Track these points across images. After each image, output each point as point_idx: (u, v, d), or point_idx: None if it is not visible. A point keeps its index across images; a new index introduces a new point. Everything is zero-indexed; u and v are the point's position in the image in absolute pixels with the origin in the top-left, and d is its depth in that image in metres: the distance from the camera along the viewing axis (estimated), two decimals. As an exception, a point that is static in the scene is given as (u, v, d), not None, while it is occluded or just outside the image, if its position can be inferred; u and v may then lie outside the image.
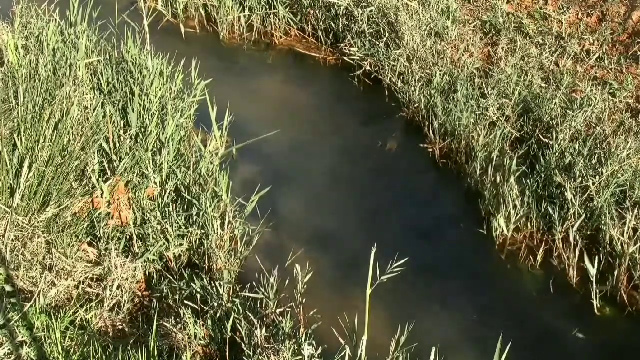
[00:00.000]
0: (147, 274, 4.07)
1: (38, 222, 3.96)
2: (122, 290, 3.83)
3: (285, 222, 4.64)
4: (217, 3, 6.93)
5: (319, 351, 3.42)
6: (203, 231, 4.18)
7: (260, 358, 3.44)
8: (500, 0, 6.62)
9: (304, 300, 3.76)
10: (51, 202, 4.04)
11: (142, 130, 4.77)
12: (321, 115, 5.91)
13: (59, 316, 3.56)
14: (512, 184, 4.55)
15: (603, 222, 4.33)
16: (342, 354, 3.36)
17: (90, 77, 5.17)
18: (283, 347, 3.44)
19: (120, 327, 3.72)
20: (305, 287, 3.71)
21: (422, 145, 5.43)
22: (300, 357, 3.40)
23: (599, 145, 4.87)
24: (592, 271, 4.11)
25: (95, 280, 3.90)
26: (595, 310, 4.09)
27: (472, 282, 4.34)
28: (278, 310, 3.72)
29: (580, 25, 6.35)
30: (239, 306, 3.67)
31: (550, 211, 4.49)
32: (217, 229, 4.17)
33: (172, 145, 4.68)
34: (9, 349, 3.35)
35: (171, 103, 5.01)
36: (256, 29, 6.96)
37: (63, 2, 6.01)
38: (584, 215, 4.44)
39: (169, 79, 5.31)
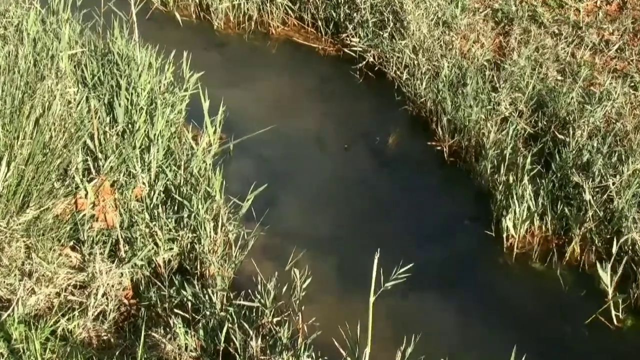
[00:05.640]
0: (135, 280, 4.06)
1: (17, 225, 3.94)
2: (107, 298, 3.82)
3: (282, 224, 4.62)
4: (210, -10, 6.92)
5: (319, 363, 3.41)
6: (195, 234, 4.17)
7: (256, 371, 3.44)
8: (512, -13, 6.61)
9: (303, 308, 3.74)
10: (31, 203, 4.02)
11: (130, 126, 4.76)
12: (321, 111, 5.89)
13: (39, 326, 3.55)
14: (525, 184, 4.53)
15: (624, 224, 4.30)
16: (344, 366, 3.35)
17: (74, 69, 5.16)
18: (280, 359, 3.43)
19: (105, 337, 3.70)
20: (304, 293, 3.70)
21: (429, 143, 5.42)
22: (299, 370, 3.39)
23: (619, 142, 4.85)
24: (606, 279, 4.09)
25: (78, 287, 3.88)
26: (614, 321, 4.07)
27: (483, 288, 4.33)
28: (275, 319, 3.71)
29: (599, 14, 6.33)
30: (233, 315, 3.65)
31: (567, 213, 4.48)
32: (210, 232, 4.16)
33: (162, 142, 4.67)
34: (-15, 362, 3.34)
35: (161, 97, 5.00)
36: (252, 18, 6.96)
37: (44, -12, 6.00)
38: (603, 218, 4.41)
39: (159, 72, 5.30)
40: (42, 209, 4.03)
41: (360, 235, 4.63)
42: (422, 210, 4.91)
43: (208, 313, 3.72)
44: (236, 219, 4.34)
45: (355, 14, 6.47)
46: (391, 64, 6.04)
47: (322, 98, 6.03)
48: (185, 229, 4.17)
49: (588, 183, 4.49)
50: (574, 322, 4.09)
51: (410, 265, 3.14)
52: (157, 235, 4.10)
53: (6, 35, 5.41)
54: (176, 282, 3.94)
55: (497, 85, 5.48)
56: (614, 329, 4.05)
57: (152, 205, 4.26)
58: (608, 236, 4.38)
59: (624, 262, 4.18)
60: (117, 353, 3.59)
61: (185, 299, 3.80)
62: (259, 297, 3.71)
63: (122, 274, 3.94)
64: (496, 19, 6.42)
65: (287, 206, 4.85)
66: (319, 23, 6.78)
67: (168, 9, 7.05)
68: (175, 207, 4.30)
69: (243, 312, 3.72)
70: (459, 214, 4.85)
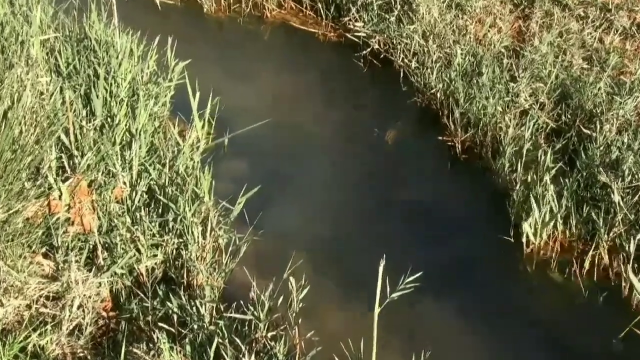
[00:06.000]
0: (114, 290, 4.05)
1: (-17, 230, 3.94)
2: (83, 311, 3.80)
3: (277, 228, 4.62)
4: (198, -31, 6.94)
5: (318, 382, 3.42)
6: (181, 240, 4.17)
7: (248, 391, 3.43)
8: (533, -35, 6.61)
9: (300, 321, 3.74)
10: (-1, 205, 4.02)
11: (109, 120, 4.75)
12: (321, 103, 5.90)
13: (7, 342, 3.53)
14: (547, 184, 4.53)
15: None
16: (346, 385, 3.36)
17: (46, 57, 5.15)
18: (275, 378, 3.44)
19: (81, 354, 3.69)
20: (301, 305, 3.70)
21: (439, 138, 5.43)
22: (296, 390, 3.40)
23: (652, 138, 4.85)
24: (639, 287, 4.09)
25: (51, 298, 3.87)
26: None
27: (500, 299, 4.32)
28: (269, 334, 3.70)
29: (629, -5, 6.34)
30: (223, 329, 3.64)
31: (593, 216, 4.47)
32: (198, 237, 4.16)
33: (145, 137, 4.67)
34: (-52, 381, 3.34)
35: (143, 88, 5.00)
36: (245, 0, 6.96)
37: (14, -32, 6.00)
38: (634, 221, 4.40)
39: (141, 59, 5.31)
40: (10, 211, 4.02)
41: (363, 239, 4.63)
42: (432, 212, 4.91)
43: (196, 327, 3.71)
44: (227, 223, 4.34)
45: (358, -4, 6.47)
46: (398, 51, 6.04)
47: (322, 89, 6.04)
48: (170, 234, 4.16)
49: (617, 183, 4.48)
50: (605, 335, 4.07)
51: (419, 273, 3.15)
52: (139, 240, 4.09)
53: (-30, 19, 5.41)
54: (160, 292, 3.93)
55: (516, 74, 5.48)
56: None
57: (133, 208, 4.26)
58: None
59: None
60: (94, 371, 3.59)
61: (170, 311, 3.79)
62: (251, 309, 3.70)
63: (100, 283, 3.92)
64: (515, 1, 6.42)
65: (283, 208, 4.85)
66: (319, 5, 6.79)
67: (152, -10, 7.07)
68: (160, 210, 4.30)
69: (234, 325, 3.71)
70: (473, 217, 4.86)
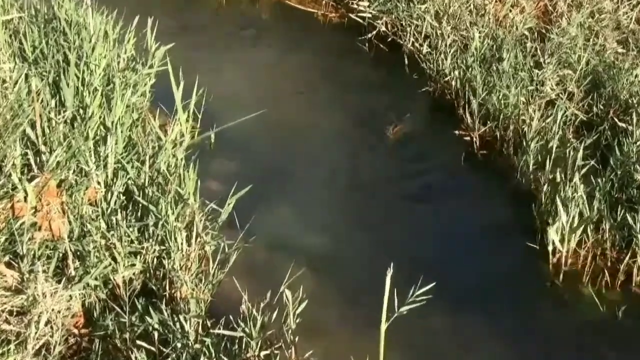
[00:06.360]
0: (87, 304, 4.04)
1: (-62, 236, 3.93)
2: (52, 327, 3.79)
3: (271, 234, 4.63)
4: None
5: (317, 407, 3.43)
6: (163, 247, 4.17)
7: (238, 418, 3.44)
8: (560, -64, 6.62)
9: (297, 339, 3.74)
10: (-44, 208, 4.01)
11: (81, 111, 4.75)
12: (320, 92, 5.93)
13: (-34, 362, 3.54)
14: (576, 184, 4.53)
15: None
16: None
17: (9, 40, 5.15)
18: (269, 403, 3.44)
19: (49, 376, 3.69)
20: (298, 320, 3.70)
21: (455, 132, 5.46)
22: (292, 417, 3.40)
23: (696, 132, 4.85)
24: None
25: (15, 313, 3.85)
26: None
27: (522, 314, 4.32)
28: (263, 353, 3.71)
29: (670, -31, 6.35)
30: (211, 347, 3.65)
31: (629, 220, 4.45)
32: (182, 244, 4.17)
33: (121, 131, 4.67)
34: None
35: (120, 75, 4.99)
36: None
37: (-26, -60, 6.00)
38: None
39: (117, 43, 5.30)
40: (-30, 215, 4.03)
41: (368, 246, 4.64)
42: (446, 215, 4.93)
43: (179, 345, 3.70)
44: (214, 228, 4.33)
45: (363, -28, 6.49)
46: (408, 34, 6.07)
47: (322, 76, 6.06)
48: (150, 241, 4.16)
49: (657, 182, 4.50)
50: None
51: (431, 285, 3.14)
52: (115, 248, 4.09)
53: None
54: (139, 306, 3.93)
55: (541, 60, 5.50)
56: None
57: (109, 211, 4.26)
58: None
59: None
60: (64, 396, 3.60)
61: (150, 328, 3.79)
62: (242, 324, 3.70)
63: (71, 296, 3.91)
64: (540, -23, 6.44)
65: (278, 211, 4.86)
66: (318, -18, 6.82)
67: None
68: (139, 213, 4.30)
69: (223, 343, 3.71)
70: (493, 221, 4.86)
